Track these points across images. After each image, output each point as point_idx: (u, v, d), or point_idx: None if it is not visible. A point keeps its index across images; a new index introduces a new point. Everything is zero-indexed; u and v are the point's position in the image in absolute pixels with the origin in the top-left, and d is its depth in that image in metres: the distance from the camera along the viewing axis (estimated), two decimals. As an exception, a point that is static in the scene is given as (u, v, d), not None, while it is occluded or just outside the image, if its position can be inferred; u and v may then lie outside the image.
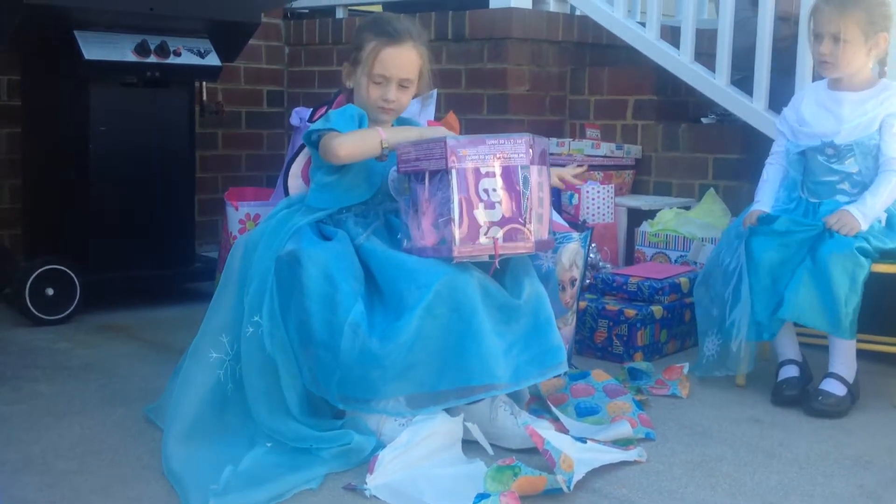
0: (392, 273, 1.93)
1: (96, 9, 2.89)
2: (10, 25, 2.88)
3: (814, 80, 2.97)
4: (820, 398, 2.26)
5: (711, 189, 3.32)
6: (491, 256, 1.88)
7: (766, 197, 2.46)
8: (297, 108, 2.84)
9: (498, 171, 1.85)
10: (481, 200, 1.85)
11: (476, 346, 1.86)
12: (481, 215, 1.85)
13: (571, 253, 2.41)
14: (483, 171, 1.85)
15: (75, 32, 2.89)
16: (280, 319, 1.95)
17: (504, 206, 1.86)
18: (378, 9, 4.06)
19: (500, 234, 1.87)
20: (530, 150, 1.88)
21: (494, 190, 1.85)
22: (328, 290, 1.90)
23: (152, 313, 3.05)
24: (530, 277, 2.00)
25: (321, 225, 2.06)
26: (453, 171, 1.83)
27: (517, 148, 1.87)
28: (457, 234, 1.84)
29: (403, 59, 2.09)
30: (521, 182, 1.87)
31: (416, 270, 1.89)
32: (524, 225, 1.88)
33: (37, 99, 3.24)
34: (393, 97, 2.09)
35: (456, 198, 1.83)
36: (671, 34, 3.61)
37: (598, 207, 3.27)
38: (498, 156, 1.86)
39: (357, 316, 1.86)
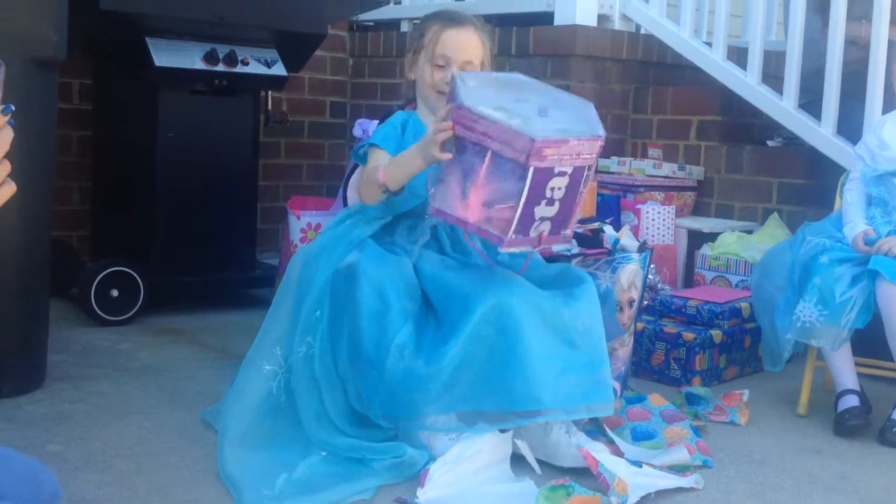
0: (443, 295, 1.92)
1: (168, 17, 2.95)
2: (84, 31, 2.95)
3: (885, 105, 2.93)
4: (895, 429, 2.22)
5: (775, 213, 3.26)
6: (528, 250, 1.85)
7: (858, 217, 2.43)
8: (360, 120, 2.86)
9: (569, 171, 1.78)
10: (545, 198, 1.78)
11: (522, 371, 1.83)
12: (539, 211, 1.79)
13: (630, 273, 2.39)
14: (557, 170, 1.76)
15: (147, 39, 2.95)
16: (329, 344, 1.96)
17: (562, 205, 1.81)
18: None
19: (547, 228, 1.82)
20: (600, 149, 1.84)
21: (560, 188, 1.78)
22: (380, 309, 1.90)
23: (212, 318, 3.09)
24: (592, 304, 1.97)
25: (378, 239, 2.06)
26: (531, 169, 1.72)
27: (593, 148, 1.79)
28: (514, 225, 1.77)
29: (464, 40, 2.06)
30: (583, 182, 1.82)
31: (467, 295, 1.87)
32: (570, 221, 1.85)
33: (107, 103, 3.32)
34: None
35: (525, 194, 1.74)
36: (738, 55, 3.57)
37: (658, 228, 3.23)
38: (574, 156, 1.77)
39: (404, 337, 1.86)
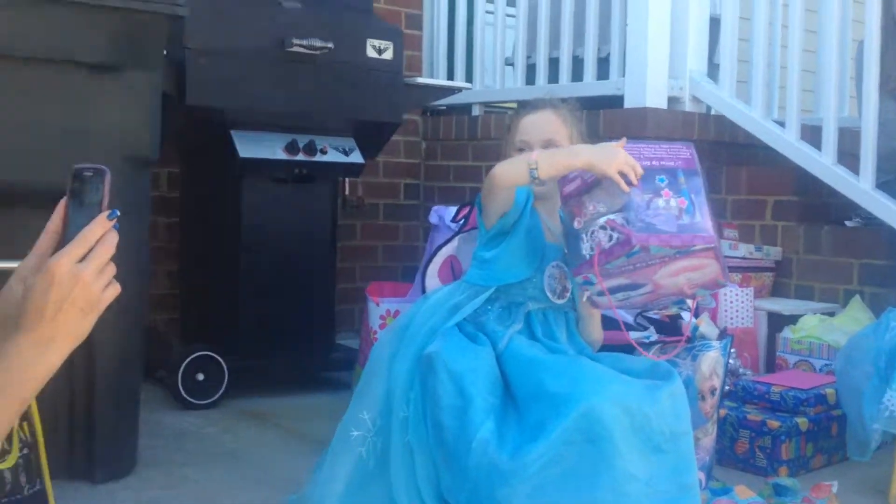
0: (531, 389, 1.92)
1: (251, 110, 3.07)
2: (172, 125, 3.08)
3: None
4: None
5: (857, 296, 3.21)
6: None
7: None
8: (436, 207, 2.91)
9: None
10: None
11: (611, 480, 1.80)
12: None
13: (711, 361, 2.37)
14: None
15: (231, 132, 3.06)
16: (422, 415, 1.97)
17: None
18: (513, 106, 4.15)
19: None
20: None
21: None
22: (460, 404, 1.90)
23: (293, 401, 3.13)
24: (679, 405, 1.94)
25: (464, 324, 2.07)
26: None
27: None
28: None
29: (541, 122, 2.09)
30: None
31: (557, 394, 1.86)
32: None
33: (193, 191, 3.44)
34: None
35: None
36: (811, 133, 3.56)
37: (737, 311, 3.20)
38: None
39: (486, 433, 1.85)
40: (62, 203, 1.08)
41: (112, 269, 1.05)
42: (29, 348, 1.02)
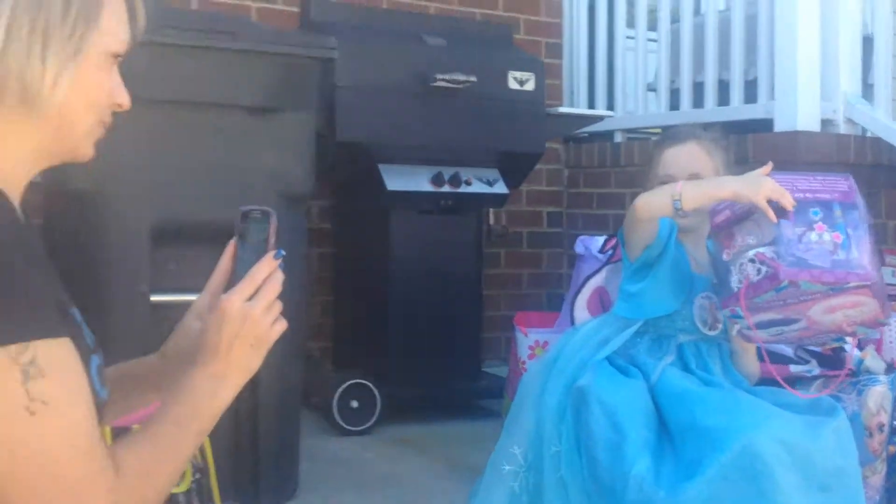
0: (686, 424, 1.89)
1: (397, 144, 3.17)
2: (323, 160, 3.21)
3: None
4: None
5: None
6: None
7: None
8: (581, 237, 2.91)
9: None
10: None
11: None
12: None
13: (879, 396, 2.27)
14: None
15: (379, 165, 3.17)
16: (576, 449, 1.96)
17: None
18: (656, 132, 4.12)
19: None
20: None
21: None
22: (615, 439, 1.88)
23: (441, 428, 3.19)
24: (845, 441, 1.88)
25: (614, 357, 2.06)
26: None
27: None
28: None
29: (685, 156, 2.05)
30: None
31: (713, 429, 1.83)
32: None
33: (345, 224, 3.58)
34: None
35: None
36: (977, 152, 3.38)
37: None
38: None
39: (642, 469, 1.82)
40: (231, 243, 1.17)
41: (279, 306, 1.12)
42: (205, 382, 1.09)
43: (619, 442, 1.88)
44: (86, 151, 1.10)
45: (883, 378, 2.27)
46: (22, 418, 0.91)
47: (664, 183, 2.03)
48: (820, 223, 1.70)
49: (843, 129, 3.62)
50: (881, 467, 2.30)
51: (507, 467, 2.04)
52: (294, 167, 2.42)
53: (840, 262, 1.67)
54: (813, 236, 1.69)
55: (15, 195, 1.04)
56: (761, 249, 1.73)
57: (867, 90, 3.72)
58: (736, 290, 1.79)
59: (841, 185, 1.72)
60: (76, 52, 1.02)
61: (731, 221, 1.81)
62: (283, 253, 1.14)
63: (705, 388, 1.97)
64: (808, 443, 1.83)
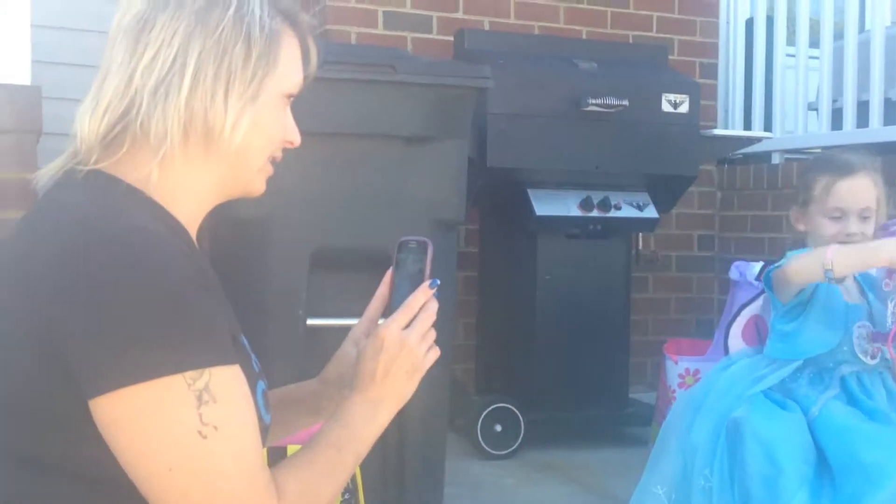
0: (846, 458, 1.83)
1: (548, 169, 3.19)
2: (473, 185, 3.26)
3: None
4: None
5: None
6: None
7: None
8: (736, 263, 2.84)
9: None
10: None
11: None
12: None
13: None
14: None
15: (528, 190, 3.19)
16: (729, 483, 1.93)
17: None
18: (816, 152, 3.97)
19: None
20: None
21: None
22: (771, 473, 1.85)
23: (586, 454, 3.16)
24: None
25: (770, 392, 2.01)
26: None
27: None
28: None
29: (858, 189, 2.01)
30: None
31: (874, 465, 1.77)
32: None
33: (491, 247, 3.61)
34: (854, 230, 1.99)
35: None
36: None
37: None
38: None
39: None
40: (389, 272, 1.21)
41: (433, 335, 1.15)
42: (362, 407, 1.13)
43: (776, 476, 1.84)
44: (258, 187, 1.16)
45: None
46: (194, 442, 0.96)
47: (835, 216, 2.01)
48: None
49: None
50: None
51: None
52: (447, 194, 2.47)
53: None
54: None
55: (193, 229, 1.11)
56: None
57: None
58: (889, 326, 1.74)
59: None
60: (255, 95, 1.07)
61: None
62: (438, 282, 1.17)
63: (869, 422, 1.91)
64: None
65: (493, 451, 3.08)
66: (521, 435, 3.11)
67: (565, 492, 2.78)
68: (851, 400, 1.97)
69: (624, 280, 3.39)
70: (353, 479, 1.97)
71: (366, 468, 2.08)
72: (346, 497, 1.94)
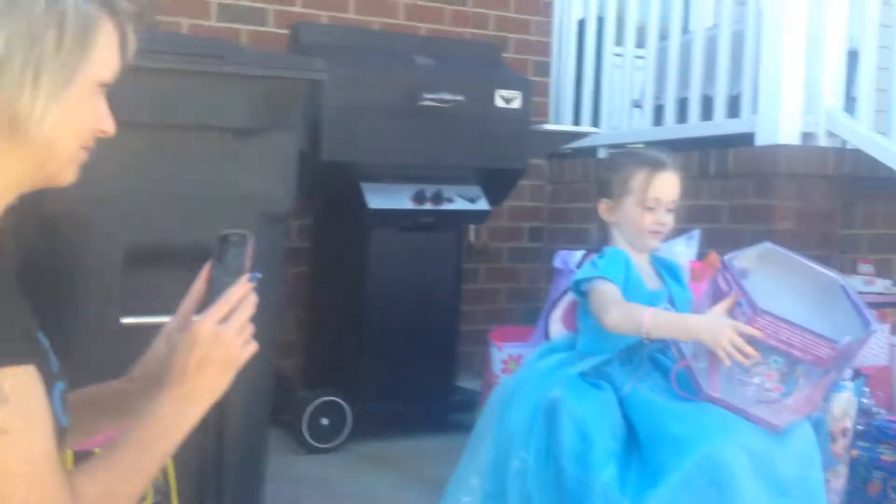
0: (654, 431, 1.93)
1: (381, 163, 3.21)
2: (305, 178, 3.24)
3: None
4: None
5: None
6: None
7: None
8: (560, 252, 2.95)
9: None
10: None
11: None
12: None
13: (843, 402, 2.32)
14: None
15: (362, 184, 3.20)
16: (545, 461, 2.00)
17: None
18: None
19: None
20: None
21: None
22: (582, 448, 1.93)
23: (414, 444, 3.20)
24: (808, 449, 1.93)
25: (584, 376, 2.10)
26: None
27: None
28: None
29: (672, 183, 2.16)
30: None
31: (680, 436, 1.87)
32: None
33: (324, 242, 3.60)
34: (664, 220, 2.14)
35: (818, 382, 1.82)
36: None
37: (871, 348, 3.09)
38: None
39: (608, 477, 1.88)
40: (206, 267, 1.19)
41: (250, 329, 1.14)
42: (172, 404, 1.11)
43: (587, 451, 1.93)
44: (67, 176, 1.12)
45: (848, 384, 2.31)
46: None
47: (651, 206, 2.12)
48: (772, 373, 1.79)
49: (823, 141, 3.66)
50: (843, 471, 2.34)
51: (466, 499, 2.08)
52: (276, 188, 2.43)
53: (758, 410, 1.82)
54: (757, 379, 1.80)
55: None
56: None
57: (849, 103, 3.76)
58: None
59: (823, 350, 1.76)
60: (66, 83, 1.04)
61: (721, 294, 1.88)
62: (259, 275, 1.16)
63: (676, 401, 2.02)
64: (772, 451, 1.87)
65: (320, 445, 3.08)
66: (348, 428, 3.11)
67: (389, 481, 2.80)
68: (661, 378, 2.08)
69: (455, 271, 3.45)
70: (167, 479, 1.93)
71: (181, 468, 2.04)
72: (158, 499, 1.88)
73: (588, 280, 2.10)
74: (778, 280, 1.92)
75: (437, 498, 2.28)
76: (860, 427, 2.61)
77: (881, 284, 3.32)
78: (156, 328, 1.27)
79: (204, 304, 1.15)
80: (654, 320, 1.96)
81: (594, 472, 1.90)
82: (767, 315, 1.75)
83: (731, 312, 1.83)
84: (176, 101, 2.27)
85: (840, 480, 2.35)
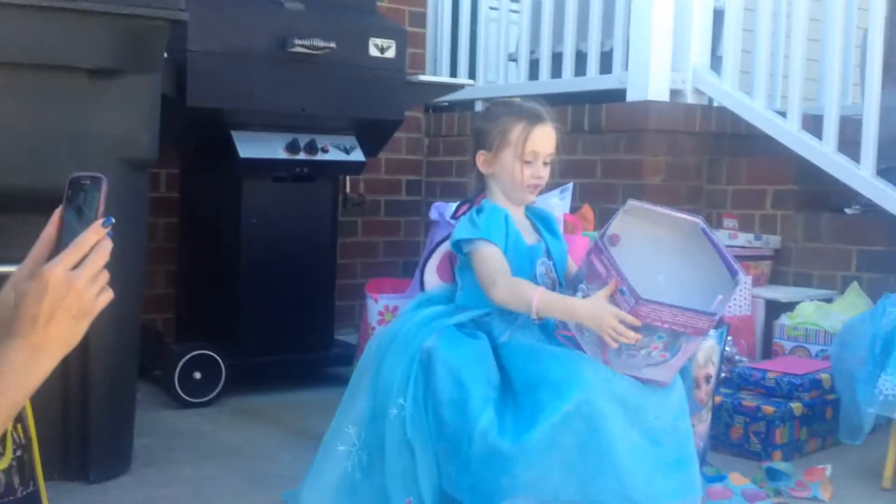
0: (534, 373, 1.94)
1: (252, 110, 3.10)
2: (172, 126, 3.12)
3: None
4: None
5: (855, 282, 3.21)
6: None
7: None
8: (436, 203, 2.93)
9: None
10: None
11: (613, 469, 1.84)
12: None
13: (707, 350, 2.39)
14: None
15: (232, 132, 3.09)
16: (423, 407, 1.99)
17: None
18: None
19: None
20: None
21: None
22: (459, 396, 1.93)
23: (291, 397, 3.16)
24: (677, 400, 1.98)
25: (460, 327, 2.07)
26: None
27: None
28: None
29: (549, 136, 2.11)
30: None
31: (559, 380, 1.88)
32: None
33: (193, 192, 3.48)
34: (542, 173, 2.11)
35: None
36: (813, 123, 3.56)
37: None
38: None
39: (486, 423, 1.87)
40: (58, 211, 1.11)
41: (105, 276, 1.07)
42: (21, 354, 1.04)
43: (464, 399, 1.92)
44: None
45: (712, 332, 2.38)
46: None
47: (528, 160, 2.08)
48: (657, 345, 1.84)
49: (690, 98, 3.77)
50: (707, 416, 2.43)
51: (341, 447, 2.05)
52: (138, 132, 2.32)
53: (648, 370, 1.88)
54: (643, 351, 1.84)
55: None
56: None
57: (716, 61, 3.87)
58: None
59: (703, 323, 1.82)
60: None
61: (596, 274, 1.89)
62: (113, 220, 1.09)
63: (553, 346, 2.03)
64: (643, 400, 1.91)
65: (193, 400, 2.99)
66: (223, 382, 3.04)
67: (265, 434, 2.75)
68: (539, 331, 2.09)
69: (331, 224, 3.39)
70: (27, 434, 1.84)
71: (45, 423, 1.94)
72: (18, 454, 1.79)
73: (469, 241, 2.07)
74: (646, 237, 1.95)
75: (311, 450, 2.24)
76: (723, 374, 2.71)
77: (744, 238, 3.44)
78: (4, 277, 1.18)
79: (55, 251, 1.08)
80: (542, 302, 1.97)
81: (472, 418, 1.90)
82: (649, 303, 1.79)
83: (613, 299, 1.85)
84: (30, 39, 2.14)
85: (703, 426, 2.43)
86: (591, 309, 1.90)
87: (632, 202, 1.90)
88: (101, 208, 1.09)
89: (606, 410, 1.86)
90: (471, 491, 1.90)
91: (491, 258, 2.04)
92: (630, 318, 1.83)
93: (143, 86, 2.33)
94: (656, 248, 1.96)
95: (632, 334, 1.83)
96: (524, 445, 1.83)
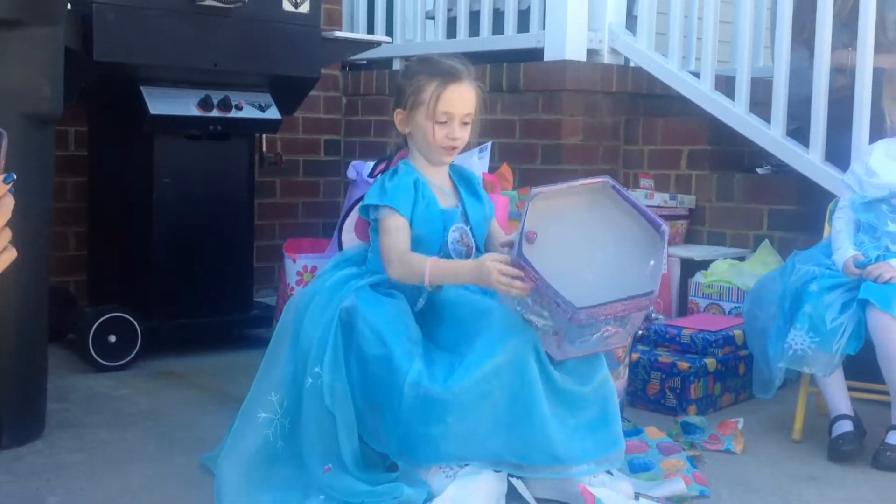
0: (468, 329, 1.95)
1: (162, 66, 3.00)
2: (79, 81, 3.00)
3: (872, 133, 2.96)
4: (888, 453, 2.24)
5: (766, 241, 3.30)
6: None
7: (847, 243, 2.46)
8: (354, 162, 2.90)
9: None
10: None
11: (541, 425, 1.87)
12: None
13: (624, 307, 2.41)
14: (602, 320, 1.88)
15: (141, 88, 2.99)
16: (343, 371, 1.97)
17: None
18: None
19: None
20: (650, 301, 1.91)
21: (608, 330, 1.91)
22: (383, 352, 1.92)
23: (210, 360, 3.10)
24: (600, 362, 2.01)
25: (376, 287, 2.06)
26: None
27: (641, 304, 1.88)
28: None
29: (465, 96, 2.06)
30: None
31: (493, 333, 1.90)
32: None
33: (103, 150, 3.36)
34: (458, 135, 2.06)
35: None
36: (726, 84, 3.62)
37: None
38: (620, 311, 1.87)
39: (416, 374, 1.87)
40: None
41: (7, 235, 1.02)
42: None
43: (389, 355, 1.91)
44: None
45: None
46: None
47: (442, 121, 2.03)
48: (608, 328, 1.88)
49: (607, 58, 3.78)
50: (624, 372, 2.47)
51: (263, 414, 2.02)
52: (40, 87, 2.22)
53: (605, 343, 1.93)
54: (597, 334, 1.88)
55: None
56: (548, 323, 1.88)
57: (632, 22, 3.89)
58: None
59: (645, 303, 1.88)
60: None
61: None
62: (14, 176, 1.04)
63: (477, 293, 2.03)
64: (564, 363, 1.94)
65: (107, 363, 2.91)
66: (139, 345, 2.97)
67: (184, 397, 2.70)
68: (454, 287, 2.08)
69: (248, 184, 3.31)
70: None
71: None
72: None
73: (376, 208, 2.04)
74: (562, 219, 1.93)
75: (230, 413, 2.22)
76: (640, 332, 2.75)
77: (660, 198, 3.49)
78: None
79: None
80: (433, 271, 1.97)
81: (400, 371, 1.89)
82: (587, 309, 1.81)
83: (552, 310, 1.84)
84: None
85: (621, 382, 2.46)
86: (473, 267, 1.93)
87: (535, 189, 1.87)
88: (2, 164, 1.03)
89: (529, 367, 1.87)
90: (400, 445, 1.90)
91: (390, 233, 2.02)
92: (512, 270, 1.83)
93: (44, 38, 2.23)
94: (576, 225, 1.95)
95: (519, 284, 1.83)
96: (456, 391, 1.84)
